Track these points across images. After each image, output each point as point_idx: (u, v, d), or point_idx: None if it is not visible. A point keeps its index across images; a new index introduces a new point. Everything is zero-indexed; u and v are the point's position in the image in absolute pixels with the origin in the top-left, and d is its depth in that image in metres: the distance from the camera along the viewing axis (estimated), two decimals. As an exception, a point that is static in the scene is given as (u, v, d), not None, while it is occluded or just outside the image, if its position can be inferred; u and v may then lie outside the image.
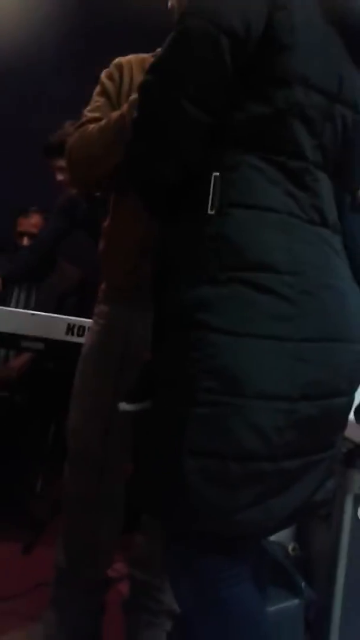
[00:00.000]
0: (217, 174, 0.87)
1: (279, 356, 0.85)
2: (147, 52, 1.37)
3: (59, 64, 3.13)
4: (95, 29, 3.09)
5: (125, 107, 1.21)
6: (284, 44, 0.85)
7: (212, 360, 0.84)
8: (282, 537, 1.83)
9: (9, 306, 2.75)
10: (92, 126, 1.28)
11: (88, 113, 1.34)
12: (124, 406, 1.04)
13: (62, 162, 2.45)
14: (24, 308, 2.78)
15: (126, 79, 1.35)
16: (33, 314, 2.13)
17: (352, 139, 0.94)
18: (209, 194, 0.87)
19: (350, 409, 1.02)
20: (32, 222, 2.88)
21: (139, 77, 1.24)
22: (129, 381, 1.26)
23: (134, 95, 1.19)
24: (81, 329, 2.08)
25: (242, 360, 0.84)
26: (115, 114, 1.24)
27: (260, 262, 0.86)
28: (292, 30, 0.85)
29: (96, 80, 1.40)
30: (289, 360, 0.86)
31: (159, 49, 1.14)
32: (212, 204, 0.87)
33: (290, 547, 1.83)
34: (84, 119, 1.33)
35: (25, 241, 2.86)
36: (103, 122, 1.26)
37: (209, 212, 0.87)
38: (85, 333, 2.01)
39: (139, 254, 1.30)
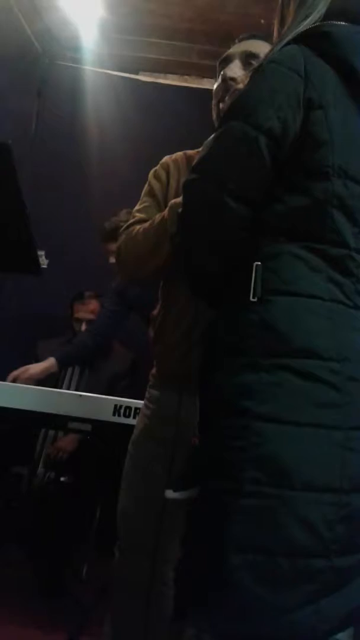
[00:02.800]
0: (259, 263, 0.89)
1: (327, 445, 0.83)
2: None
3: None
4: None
5: (166, 211, 1.27)
6: (321, 140, 0.88)
7: (257, 449, 0.82)
8: None
9: (61, 387, 2.79)
10: (137, 227, 1.35)
11: (136, 213, 1.41)
12: (170, 494, 1.02)
13: (114, 246, 2.54)
14: (75, 389, 2.80)
15: (173, 178, 1.42)
16: (80, 395, 2.15)
17: None
18: (250, 282, 0.89)
19: None
20: (90, 308, 2.93)
21: (185, 175, 1.31)
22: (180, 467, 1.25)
23: (175, 200, 1.26)
24: (128, 410, 2.08)
25: (288, 450, 0.82)
26: (157, 217, 1.30)
27: (304, 348, 0.85)
28: (328, 127, 0.89)
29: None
30: (337, 450, 0.83)
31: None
32: (254, 292, 0.88)
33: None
34: (132, 219, 1.40)
35: (84, 327, 2.90)
36: (147, 225, 1.32)
37: (251, 299, 0.88)
38: (132, 414, 2.01)
39: (188, 341, 1.32)
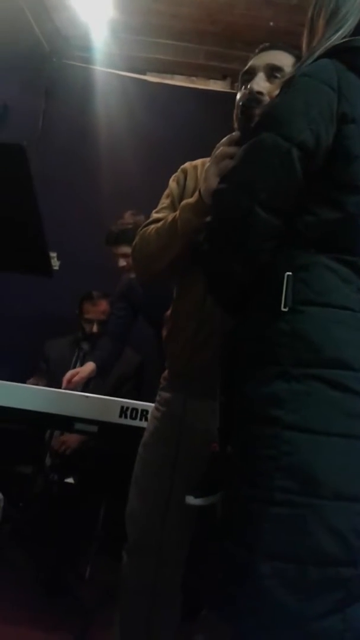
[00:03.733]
0: (290, 273, 0.89)
1: (356, 456, 0.84)
2: None
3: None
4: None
5: (178, 211, 1.31)
6: (354, 154, 0.89)
7: (287, 457, 0.83)
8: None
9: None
10: (152, 227, 1.39)
11: (154, 214, 1.45)
12: (191, 500, 1.03)
13: (123, 249, 2.56)
14: (82, 390, 2.81)
15: (190, 183, 1.45)
16: (87, 397, 2.15)
17: None
18: (281, 292, 0.89)
19: None
20: (101, 309, 2.93)
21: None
22: (184, 470, 1.26)
23: (186, 201, 1.29)
24: (134, 412, 2.08)
25: (319, 459, 0.83)
26: (170, 217, 1.34)
27: (335, 359, 0.86)
28: None
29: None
30: None
31: (219, 150, 1.21)
32: (285, 302, 0.88)
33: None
34: (149, 219, 1.44)
35: (95, 328, 2.91)
36: (160, 224, 1.37)
37: (282, 309, 0.89)
38: (139, 416, 2.01)
39: (194, 343, 1.34)
